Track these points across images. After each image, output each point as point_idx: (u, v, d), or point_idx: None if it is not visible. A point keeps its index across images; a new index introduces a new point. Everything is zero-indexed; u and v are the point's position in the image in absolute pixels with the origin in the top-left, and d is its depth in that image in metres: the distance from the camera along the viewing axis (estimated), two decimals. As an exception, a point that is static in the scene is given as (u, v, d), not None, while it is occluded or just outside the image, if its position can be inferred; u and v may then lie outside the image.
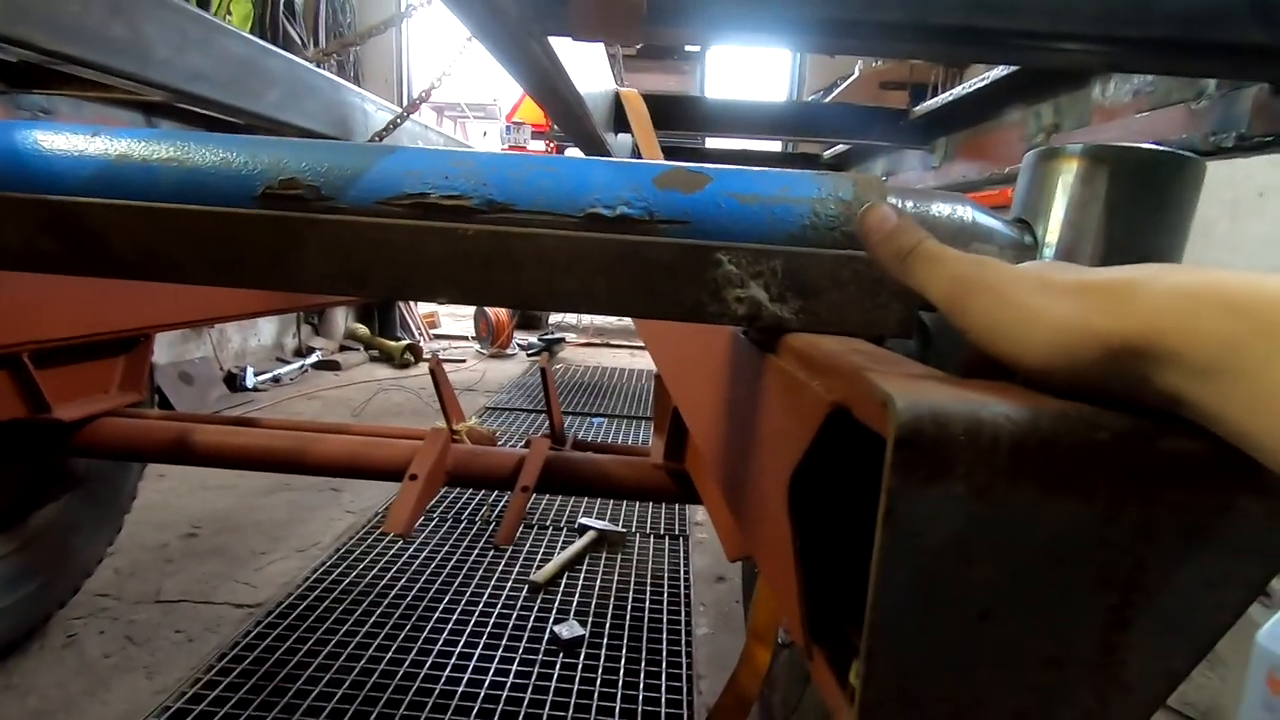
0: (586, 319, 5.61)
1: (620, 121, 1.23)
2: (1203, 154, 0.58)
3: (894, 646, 0.24)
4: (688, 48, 5.43)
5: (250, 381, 3.19)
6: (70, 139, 0.46)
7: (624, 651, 1.31)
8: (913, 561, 0.23)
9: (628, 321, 5.57)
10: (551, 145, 4.23)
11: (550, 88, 0.65)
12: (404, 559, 1.62)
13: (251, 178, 0.45)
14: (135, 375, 1.22)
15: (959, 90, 1.03)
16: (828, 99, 3.17)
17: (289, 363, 3.60)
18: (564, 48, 0.62)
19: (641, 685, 1.21)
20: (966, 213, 0.42)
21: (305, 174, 0.44)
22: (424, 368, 3.82)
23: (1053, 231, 0.42)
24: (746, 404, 0.47)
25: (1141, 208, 0.39)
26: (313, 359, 3.73)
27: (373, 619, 1.37)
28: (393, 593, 1.47)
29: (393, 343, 4.06)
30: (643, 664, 1.27)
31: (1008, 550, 0.23)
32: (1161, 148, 0.39)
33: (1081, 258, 0.40)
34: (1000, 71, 0.88)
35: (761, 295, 0.41)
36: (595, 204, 0.42)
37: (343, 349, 4.12)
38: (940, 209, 0.42)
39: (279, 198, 0.44)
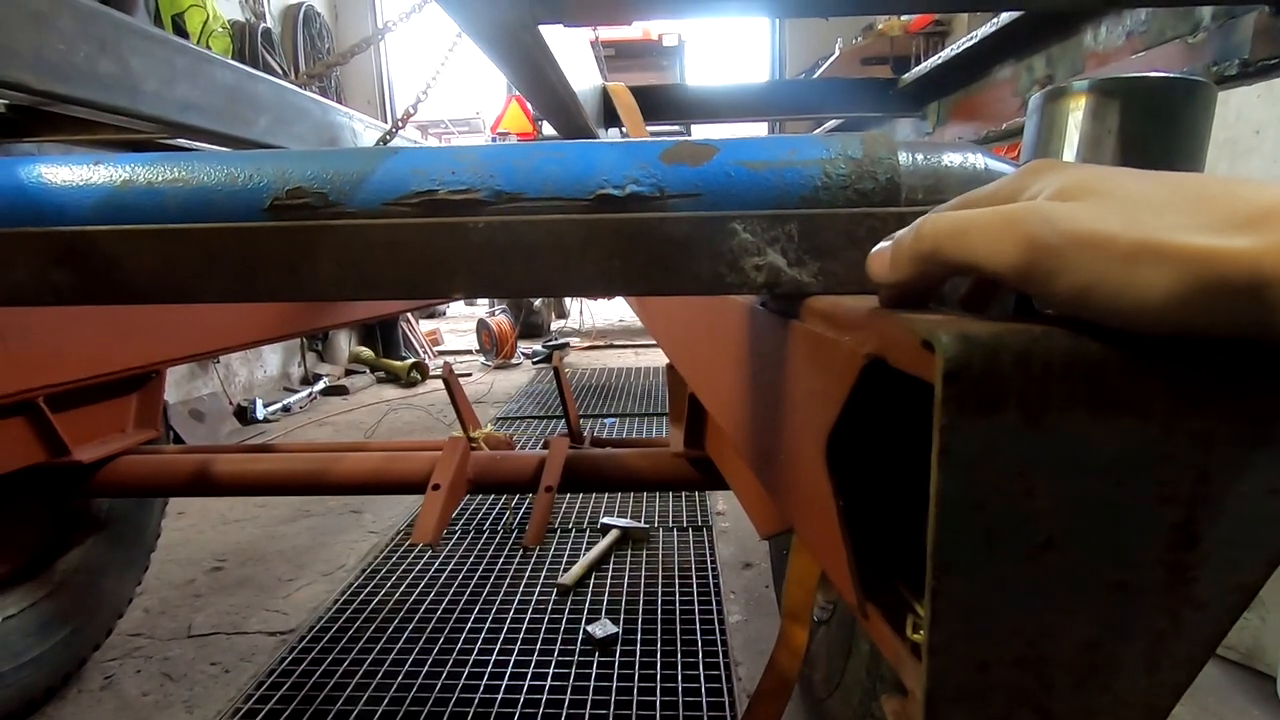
0: (589, 322, 5.61)
1: (610, 116, 1.23)
2: (1205, 86, 0.58)
3: (959, 585, 0.24)
4: (665, 44, 5.43)
5: (260, 413, 3.20)
6: (74, 169, 0.46)
7: (659, 645, 1.30)
8: (971, 497, 0.23)
9: (631, 321, 5.57)
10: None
11: (542, 81, 0.65)
12: (431, 574, 1.62)
13: (258, 190, 0.45)
14: (149, 412, 1.22)
15: (947, 52, 1.02)
16: (815, 75, 3.17)
17: (296, 391, 3.60)
18: (551, 42, 0.61)
19: (680, 677, 1.21)
20: (979, 161, 0.42)
21: (311, 182, 0.44)
22: (431, 385, 3.82)
23: (1066, 172, 0.41)
24: (773, 374, 0.47)
25: (1157, 137, 0.38)
26: (320, 385, 3.74)
27: (405, 635, 1.37)
28: (423, 608, 1.47)
29: (398, 362, 4.07)
30: (679, 656, 1.27)
31: (1066, 476, 0.23)
32: (1170, 73, 0.39)
33: (1098, 194, 0.40)
34: (988, 28, 0.88)
35: (780, 261, 0.41)
36: (604, 185, 0.42)
37: (349, 373, 4.13)
38: (951, 159, 0.41)
39: (287, 208, 0.44)
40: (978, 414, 0.22)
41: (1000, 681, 0.25)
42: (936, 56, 1.06)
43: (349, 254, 0.44)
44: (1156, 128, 0.38)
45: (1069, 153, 0.42)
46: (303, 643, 1.36)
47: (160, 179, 0.45)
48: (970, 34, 0.96)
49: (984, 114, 1.01)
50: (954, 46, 0.99)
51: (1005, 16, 0.79)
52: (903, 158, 0.41)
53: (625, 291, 0.44)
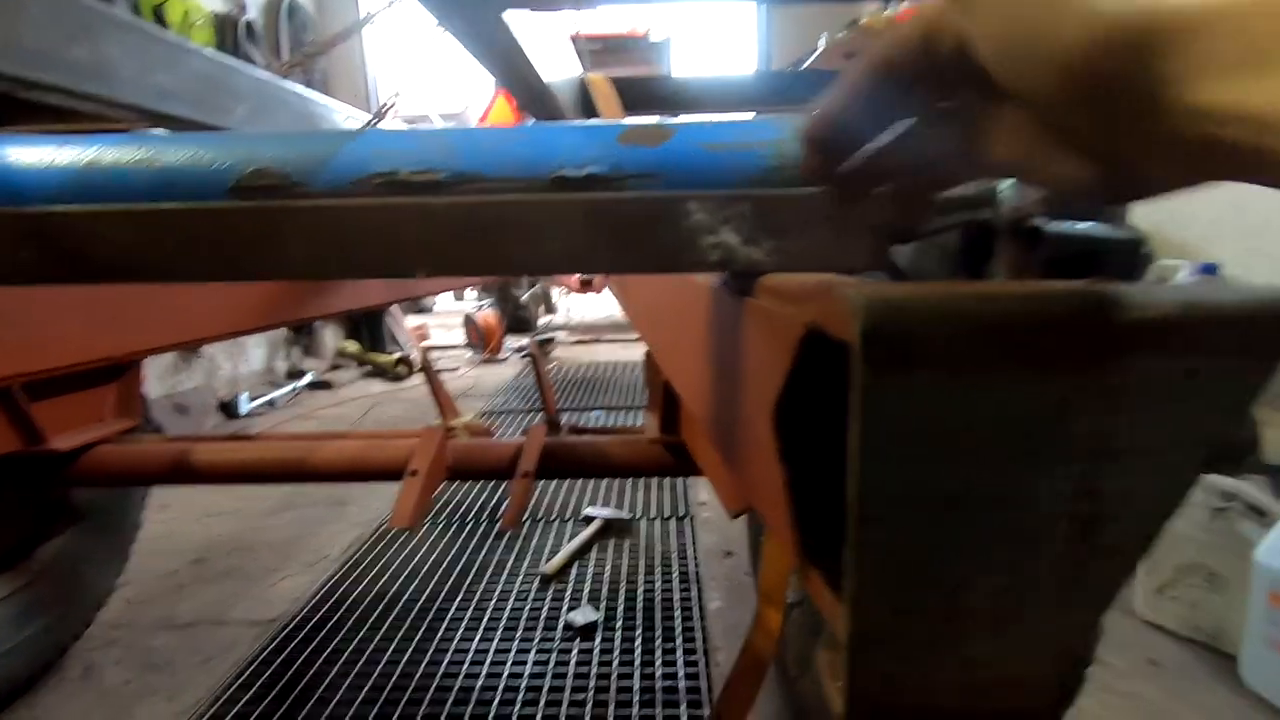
0: (577, 317, 5.61)
1: (590, 108, 1.24)
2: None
3: (877, 536, 0.25)
4: (652, 39, 5.42)
5: (245, 407, 3.18)
6: (39, 149, 0.46)
7: (639, 632, 1.32)
8: (888, 452, 0.24)
9: (618, 316, 5.57)
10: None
11: (513, 68, 0.66)
12: (414, 564, 1.63)
13: (223, 172, 0.45)
14: (128, 401, 1.22)
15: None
16: (803, 67, 3.18)
17: (281, 386, 3.59)
18: (530, 35, 0.62)
19: (659, 662, 1.22)
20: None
21: (275, 164, 0.45)
22: (417, 380, 3.82)
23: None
24: (730, 352, 0.48)
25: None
26: (305, 380, 3.72)
27: (387, 623, 1.38)
28: (405, 597, 1.48)
29: (384, 356, 4.06)
30: (658, 641, 1.28)
31: (977, 432, 0.24)
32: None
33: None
34: None
35: (733, 240, 0.42)
36: (563, 166, 0.43)
37: (334, 367, 4.11)
38: (900, 141, 0.43)
39: (252, 189, 0.45)
40: (893, 372, 0.24)
41: (919, 628, 0.26)
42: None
43: (313, 234, 0.44)
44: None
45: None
46: (284, 632, 1.36)
47: (126, 159, 0.46)
48: None
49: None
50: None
51: None
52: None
53: (584, 269, 0.45)
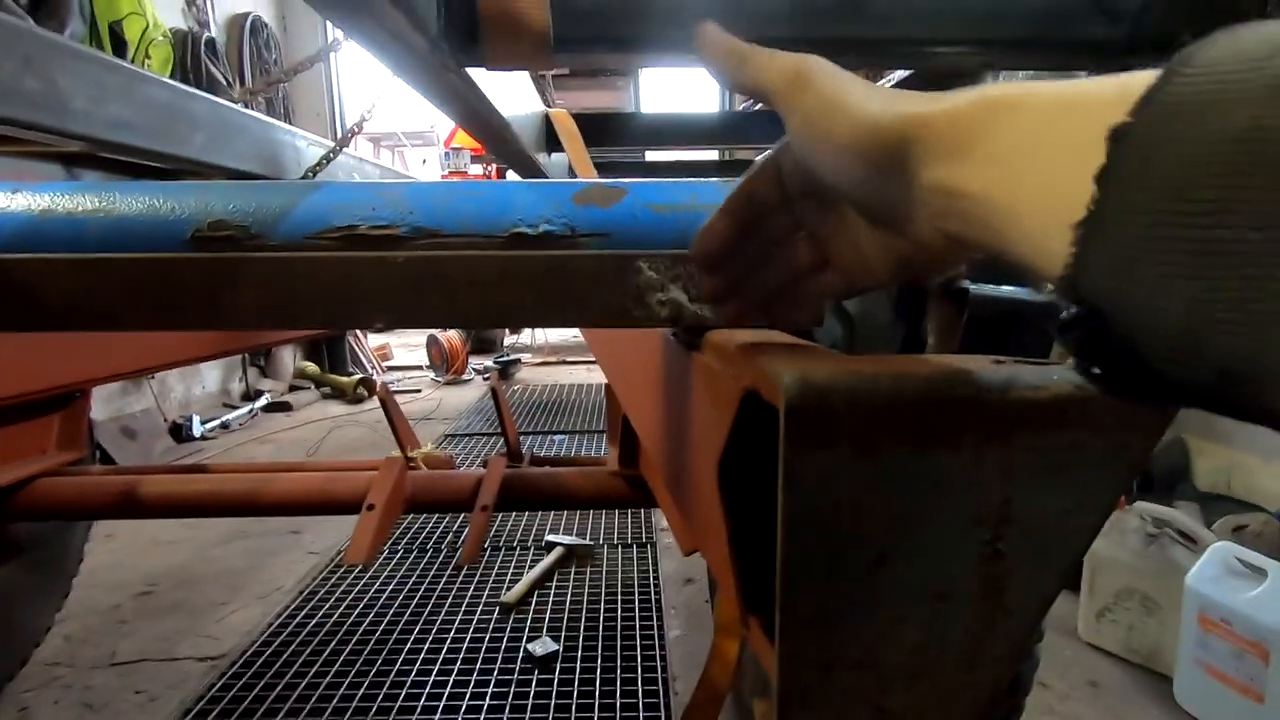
0: (541, 338, 5.60)
1: (553, 141, 1.26)
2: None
3: (804, 597, 0.27)
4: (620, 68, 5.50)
5: (197, 430, 3.10)
6: (-9, 197, 0.46)
7: (599, 662, 1.32)
8: (812, 519, 0.26)
9: (582, 338, 5.57)
10: (493, 169, 4.23)
11: (474, 115, 0.68)
12: (371, 594, 1.60)
13: (180, 222, 0.46)
14: (73, 432, 1.18)
15: (869, 92, 1.08)
16: (757, 107, 3.27)
17: (237, 408, 3.50)
18: (485, 74, 0.64)
19: (619, 693, 1.22)
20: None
21: (234, 215, 0.46)
22: (379, 402, 3.76)
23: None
24: (680, 402, 0.50)
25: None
26: (262, 402, 3.64)
27: (343, 657, 1.35)
28: (361, 628, 1.45)
29: (344, 378, 3.99)
30: (618, 672, 1.28)
31: (893, 500, 0.26)
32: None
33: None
34: (901, 74, 0.94)
35: (682, 297, 0.44)
36: (519, 224, 0.45)
37: (293, 389, 4.03)
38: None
39: (210, 239, 0.45)
40: (815, 445, 0.26)
41: (842, 683, 0.28)
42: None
43: (271, 286, 0.45)
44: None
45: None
46: (234, 668, 1.32)
47: (80, 209, 0.46)
48: (889, 76, 1.02)
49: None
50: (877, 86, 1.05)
51: (898, 74, 0.86)
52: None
53: (539, 324, 0.46)
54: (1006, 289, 0.44)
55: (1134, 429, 0.27)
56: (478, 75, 0.61)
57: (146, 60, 2.85)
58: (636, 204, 0.45)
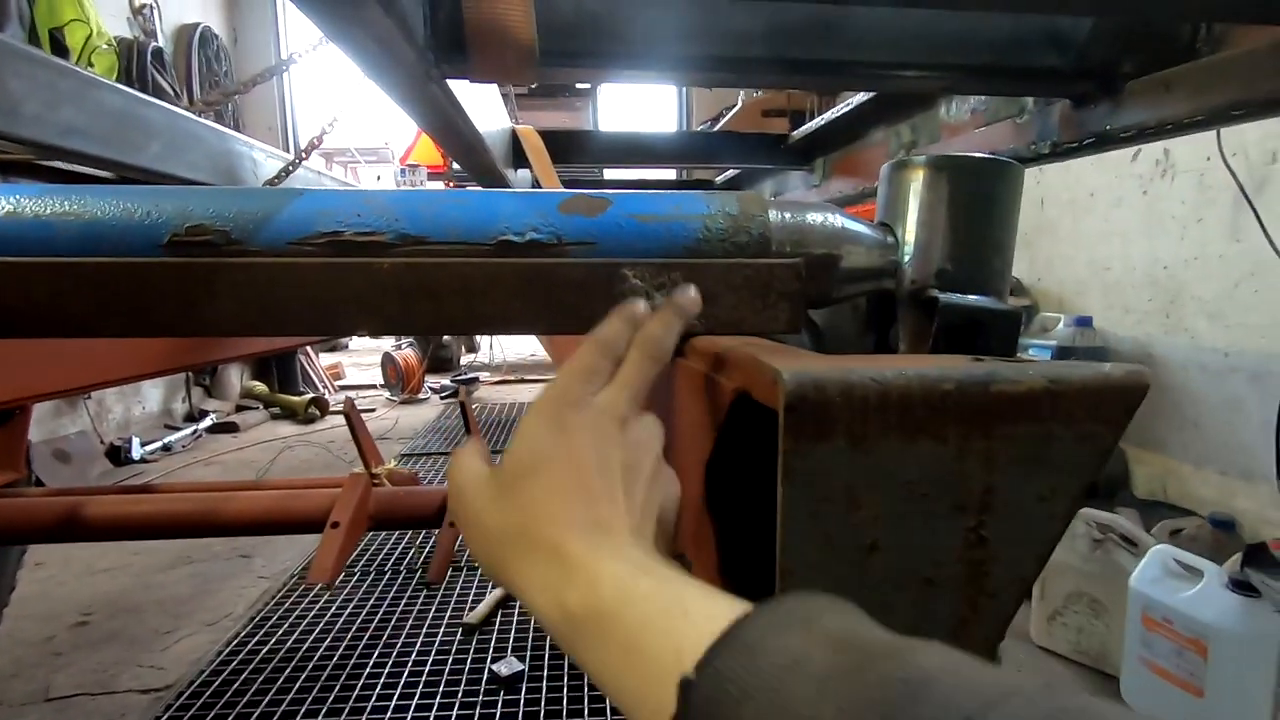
0: (500, 356, 5.55)
1: (519, 158, 1.27)
2: (1027, 160, 0.68)
3: (800, 585, 0.28)
4: (579, 85, 5.56)
5: (137, 453, 2.96)
6: (-49, 199, 0.45)
7: (565, 681, 1.30)
8: (809, 509, 0.27)
9: (542, 355, 5.55)
10: (449, 186, 4.20)
11: (450, 127, 0.68)
12: (328, 618, 1.55)
13: (156, 227, 0.45)
14: (11, 452, 1.12)
15: (829, 115, 1.13)
16: (715, 128, 3.34)
17: (180, 429, 3.36)
18: (459, 87, 0.65)
19: (586, 712, 1.21)
20: (837, 220, 0.48)
21: (213, 220, 0.45)
22: (331, 421, 3.66)
23: (910, 231, 0.48)
24: (664, 407, 0.51)
25: (975, 206, 0.46)
26: (206, 422, 3.50)
27: (299, 683, 1.30)
28: (318, 653, 1.40)
29: (295, 398, 3.88)
30: (586, 690, 1.27)
31: (884, 490, 0.28)
32: (986, 155, 0.46)
33: (934, 251, 0.47)
34: (862, 97, 0.98)
35: (666, 304, 0.45)
36: (505, 232, 0.45)
37: (240, 409, 3.89)
38: (814, 217, 0.47)
39: (187, 244, 0.45)
40: (813, 439, 0.27)
41: (838, 668, 0.29)
42: (820, 118, 1.17)
43: (252, 292, 0.44)
44: (975, 198, 0.46)
45: (911, 215, 0.48)
46: (181, 699, 1.26)
47: (49, 212, 0.45)
48: (848, 100, 1.06)
49: (862, 171, 1.12)
50: (834, 110, 1.10)
51: (862, 95, 0.90)
52: (773, 215, 0.47)
53: (524, 331, 0.47)
54: (973, 298, 0.46)
55: (1101, 420, 0.29)
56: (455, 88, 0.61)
57: (89, 68, 2.75)
58: (621, 214, 0.46)
